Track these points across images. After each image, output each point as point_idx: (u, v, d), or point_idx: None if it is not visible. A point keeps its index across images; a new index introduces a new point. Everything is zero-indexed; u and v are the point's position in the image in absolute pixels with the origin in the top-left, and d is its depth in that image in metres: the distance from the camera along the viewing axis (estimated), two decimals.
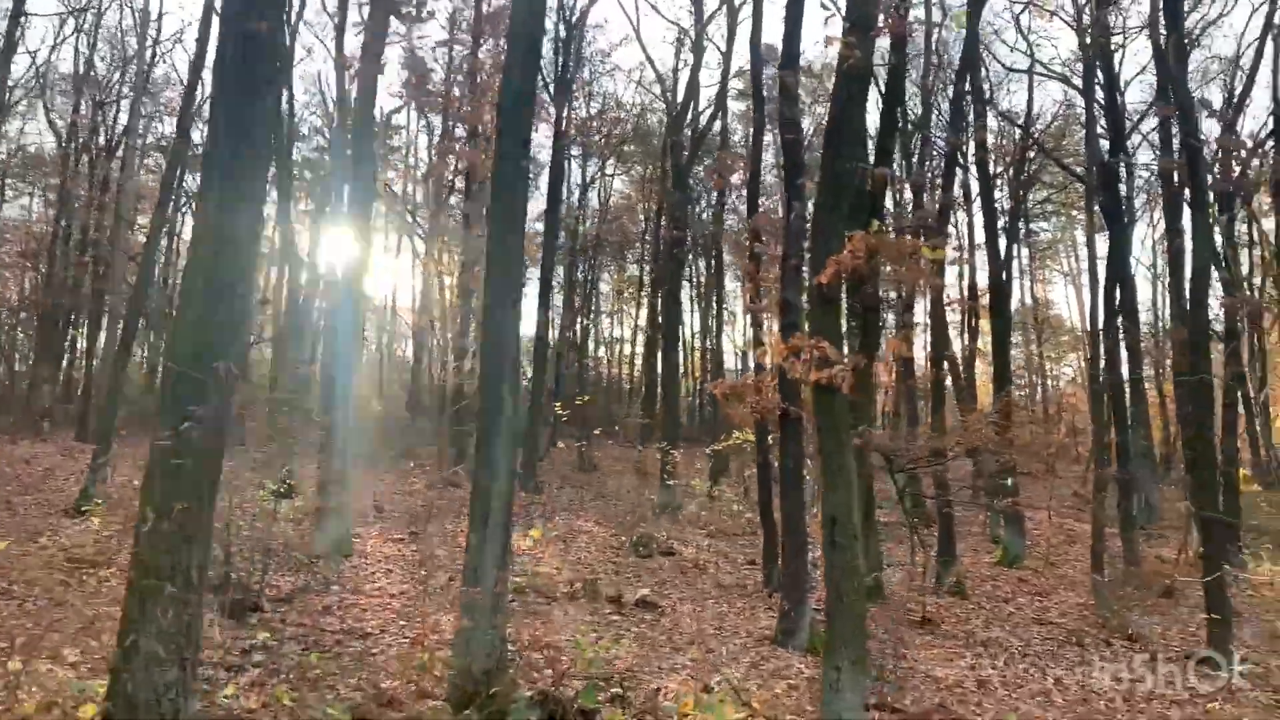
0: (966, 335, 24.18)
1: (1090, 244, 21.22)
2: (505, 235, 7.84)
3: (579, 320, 38.40)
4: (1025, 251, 38.19)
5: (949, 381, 20.13)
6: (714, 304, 33.90)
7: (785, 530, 11.62)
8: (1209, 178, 21.81)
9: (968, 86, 17.55)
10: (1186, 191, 17.33)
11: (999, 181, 30.66)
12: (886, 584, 14.32)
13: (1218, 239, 22.70)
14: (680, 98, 25.10)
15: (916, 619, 12.99)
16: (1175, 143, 20.52)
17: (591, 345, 42.85)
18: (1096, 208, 19.32)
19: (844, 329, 7.65)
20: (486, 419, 7.47)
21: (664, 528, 17.98)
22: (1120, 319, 18.29)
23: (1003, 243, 30.86)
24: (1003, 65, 26.73)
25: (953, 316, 26.46)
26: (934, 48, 22.42)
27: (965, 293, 24.68)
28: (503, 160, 8.00)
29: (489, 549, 7.20)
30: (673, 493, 20.24)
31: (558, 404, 20.38)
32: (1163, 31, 14.70)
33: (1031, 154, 25.83)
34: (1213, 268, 16.09)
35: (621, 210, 39.54)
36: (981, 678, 10.94)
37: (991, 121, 26.27)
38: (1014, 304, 34.61)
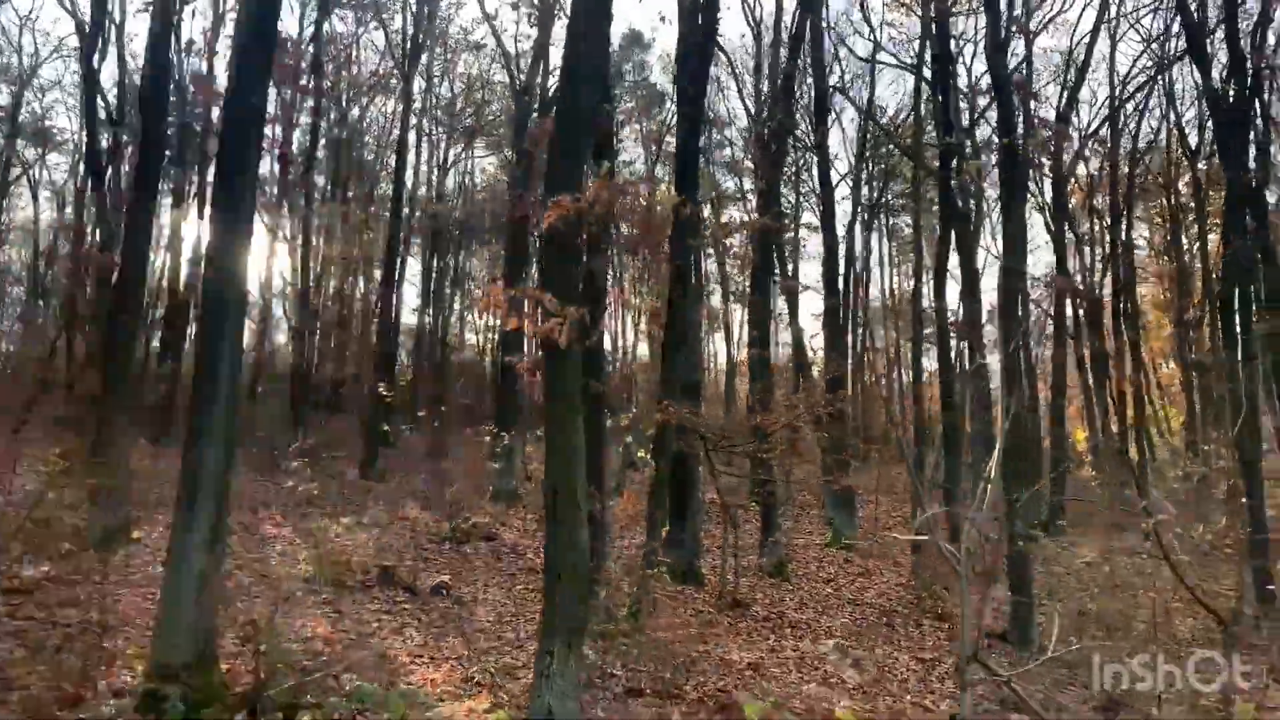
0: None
1: (945, 236, 21.42)
2: (234, 176, 7.05)
3: (444, 305, 37.38)
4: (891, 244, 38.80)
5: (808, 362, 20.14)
6: None
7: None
8: (1053, 164, 22.44)
9: (806, 65, 17.38)
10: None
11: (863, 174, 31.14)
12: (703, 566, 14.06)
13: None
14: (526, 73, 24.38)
15: (727, 602, 12.69)
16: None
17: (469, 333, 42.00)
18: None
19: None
20: (199, 387, 6.71)
21: (492, 512, 17.35)
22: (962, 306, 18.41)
23: (860, 232, 31.40)
24: (854, 54, 26.84)
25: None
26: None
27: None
28: (232, 99, 7.24)
29: (195, 530, 6.45)
30: (509, 477, 19.59)
31: (382, 385, 19.35)
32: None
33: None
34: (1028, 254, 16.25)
35: (488, 193, 38.58)
36: (781, 659, 10.71)
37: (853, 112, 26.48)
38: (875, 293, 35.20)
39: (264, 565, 12.56)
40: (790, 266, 32.23)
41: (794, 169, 30.64)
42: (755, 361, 15.59)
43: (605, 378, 10.55)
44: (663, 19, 49.31)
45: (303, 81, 27.70)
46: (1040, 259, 36.88)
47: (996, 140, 16.42)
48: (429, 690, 8.10)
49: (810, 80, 18.40)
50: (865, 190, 31.98)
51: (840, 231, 28.00)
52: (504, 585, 12.69)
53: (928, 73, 21.47)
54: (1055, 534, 19.05)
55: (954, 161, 17.70)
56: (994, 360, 22.13)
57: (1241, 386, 16.09)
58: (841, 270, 31.07)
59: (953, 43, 18.81)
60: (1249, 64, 16.23)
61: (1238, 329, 17.62)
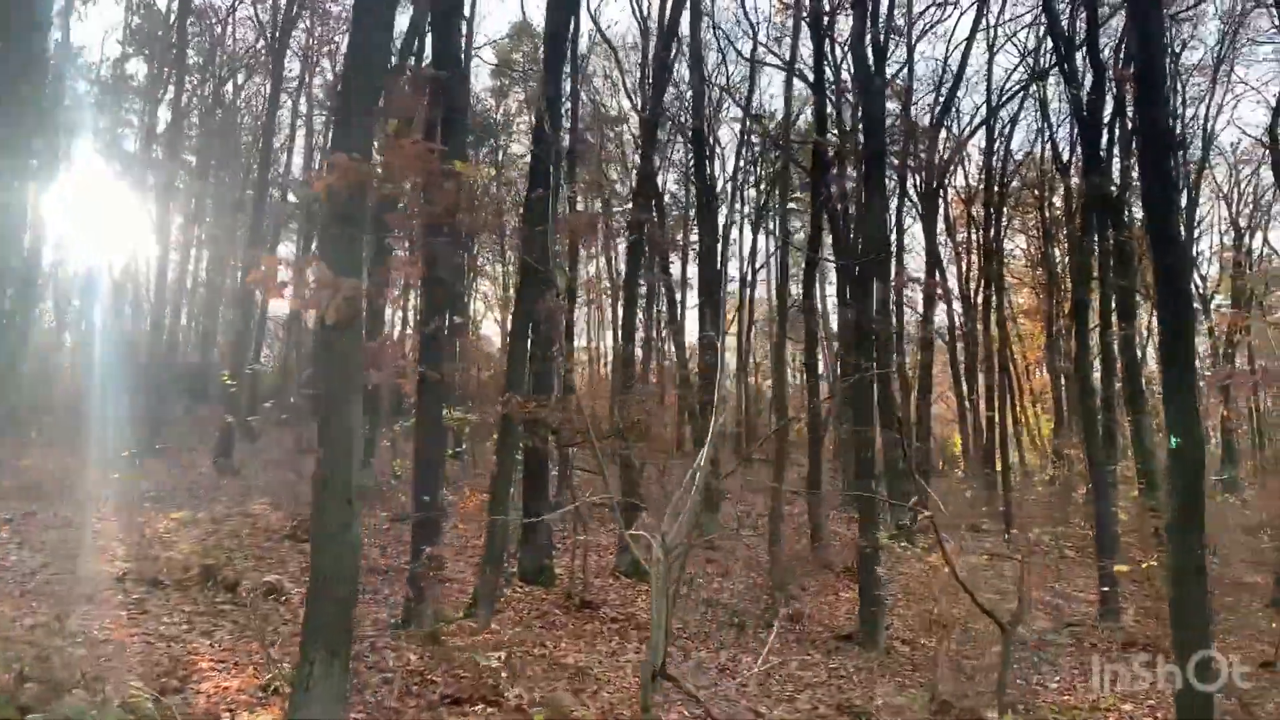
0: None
1: (815, 236, 21.48)
2: None
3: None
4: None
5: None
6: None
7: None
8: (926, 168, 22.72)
9: (682, 57, 17.16)
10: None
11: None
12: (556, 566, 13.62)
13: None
14: None
15: (576, 603, 12.28)
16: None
17: None
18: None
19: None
20: None
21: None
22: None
23: (748, 234, 31.43)
24: (739, 53, 26.73)
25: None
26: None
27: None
28: None
29: None
30: (367, 472, 18.79)
31: (224, 374, 18.39)
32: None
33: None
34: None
35: None
36: (619, 663, 10.35)
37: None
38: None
39: (76, 563, 11.66)
40: (683, 264, 31.96)
41: (688, 168, 30.46)
42: (621, 356, 15.23)
43: (441, 364, 9.98)
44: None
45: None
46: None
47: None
48: (218, 699, 7.47)
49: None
50: (754, 192, 32.14)
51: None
52: None
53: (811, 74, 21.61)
54: (915, 536, 19.26)
55: (828, 160, 17.72)
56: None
57: (1096, 393, 16.45)
58: (737, 272, 31.22)
59: (832, 44, 18.76)
60: (1109, 76, 16.61)
61: (1092, 334, 18.09)
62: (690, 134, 20.43)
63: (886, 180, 21.42)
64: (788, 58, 19.76)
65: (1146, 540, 15.14)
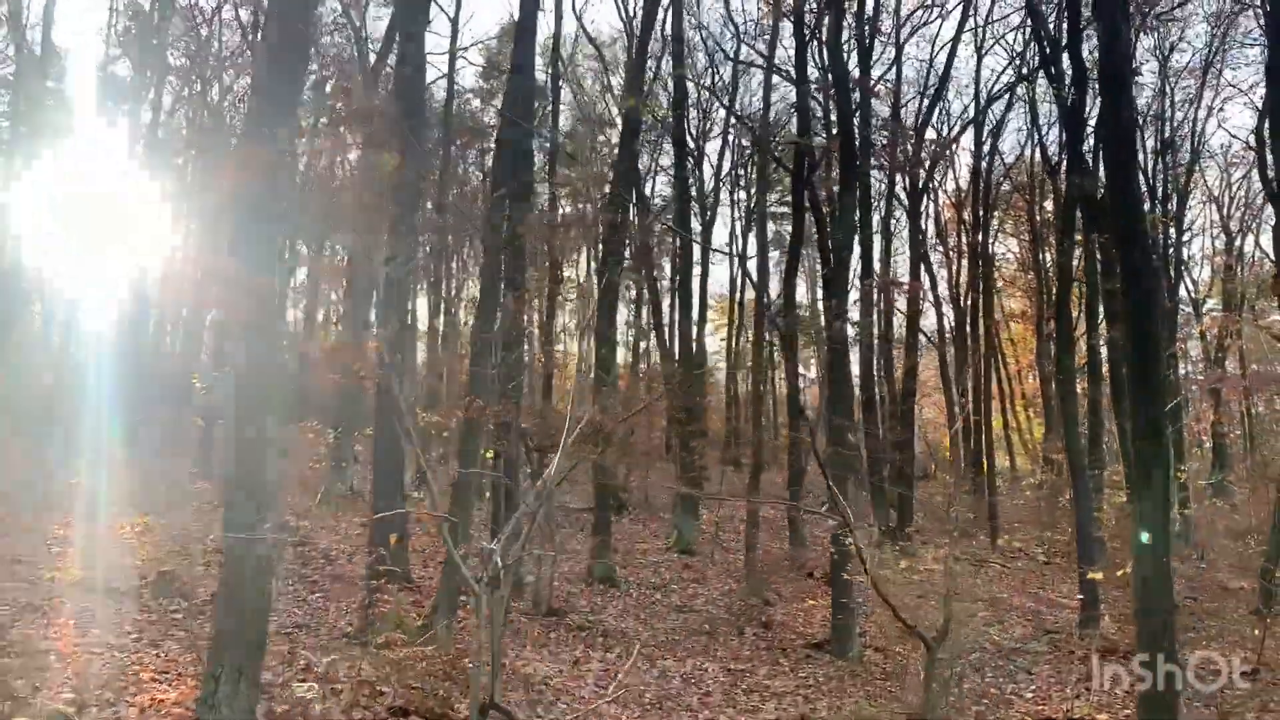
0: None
1: (796, 234, 21.23)
2: None
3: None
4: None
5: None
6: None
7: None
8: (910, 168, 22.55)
9: (659, 54, 16.92)
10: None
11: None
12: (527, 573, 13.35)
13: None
14: None
15: (543, 610, 12.03)
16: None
17: None
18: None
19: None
20: None
21: (316, 515, 16.37)
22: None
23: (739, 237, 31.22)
24: (724, 52, 26.56)
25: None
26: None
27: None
28: None
29: None
30: (343, 478, 18.57)
31: (195, 377, 18.16)
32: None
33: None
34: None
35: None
36: (581, 672, 10.11)
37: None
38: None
39: (31, 570, 11.41)
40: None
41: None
42: (601, 360, 14.98)
43: (401, 368, 9.75)
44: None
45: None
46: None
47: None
48: (151, 712, 7.21)
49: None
50: (743, 194, 31.92)
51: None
52: (300, 593, 11.79)
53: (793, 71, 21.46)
54: (901, 541, 19.02)
55: (813, 161, 17.51)
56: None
57: (1076, 396, 16.21)
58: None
59: (817, 42, 18.53)
60: (1091, 77, 16.40)
61: (1080, 338, 17.87)
62: (674, 144, 20.14)
63: (874, 182, 21.30)
64: (770, 55, 19.51)
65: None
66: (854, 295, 16.68)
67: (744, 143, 28.14)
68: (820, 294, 30.05)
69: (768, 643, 12.18)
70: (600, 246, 19.95)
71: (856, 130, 15.80)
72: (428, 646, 9.67)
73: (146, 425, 24.02)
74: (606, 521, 14.90)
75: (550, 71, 22.80)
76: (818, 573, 16.21)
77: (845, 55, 13.69)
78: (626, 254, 18.49)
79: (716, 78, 26.03)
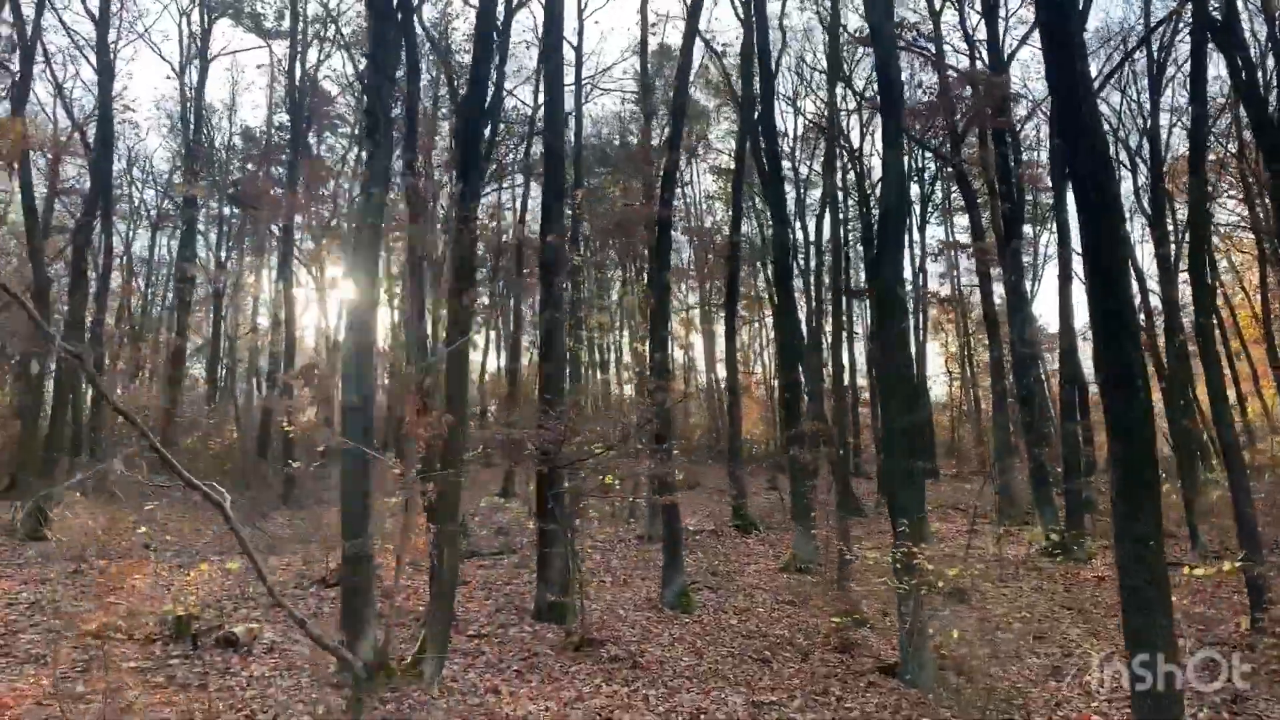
0: None
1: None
2: None
3: None
4: None
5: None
6: None
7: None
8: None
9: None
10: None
11: None
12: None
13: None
14: None
15: (574, 641, 10.87)
16: None
17: None
18: None
19: None
20: None
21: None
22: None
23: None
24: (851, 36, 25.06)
25: None
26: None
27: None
28: None
29: None
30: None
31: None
32: None
33: None
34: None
35: None
36: (565, 711, 8.87)
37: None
38: None
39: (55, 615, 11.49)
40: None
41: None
42: (655, 367, 13.81)
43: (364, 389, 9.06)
44: None
45: None
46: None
47: None
48: None
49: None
50: None
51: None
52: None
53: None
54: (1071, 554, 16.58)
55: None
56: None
57: None
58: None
59: None
60: None
61: None
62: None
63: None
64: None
65: None
66: None
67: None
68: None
69: (831, 668, 10.45)
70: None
71: None
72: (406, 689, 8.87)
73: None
74: (676, 538, 13.58)
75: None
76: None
77: None
78: None
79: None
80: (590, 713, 8.74)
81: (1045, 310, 72.40)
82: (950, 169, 24.70)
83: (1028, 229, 30.36)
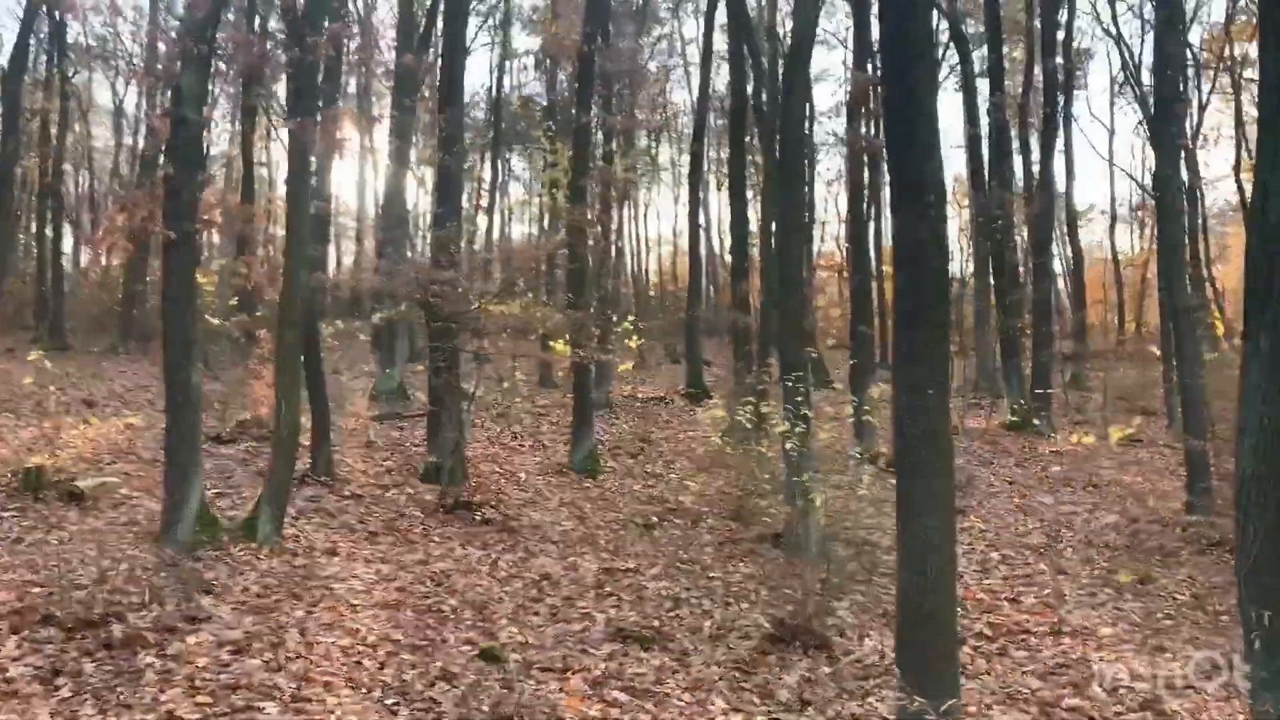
0: None
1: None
2: None
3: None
4: None
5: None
6: None
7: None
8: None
9: None
10: None
11: None
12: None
13: None
14: None
15: (448, 504, 10.21)
16: None
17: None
18: None
19: None
20: None
21: None
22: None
23: None
24: None
25: None
26: None
27: None
28: None
29: None
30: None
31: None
32: None
33: None
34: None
35: None
36: (425, 573, 8.24)
37: None
38: None
39: None
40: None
41: None
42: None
43: (184, 222, 8.13)
44: None
45: None
46: None
47: None
48: None
49: None
50: None
51: None
52: None
53: None
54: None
55: None
56: None
57: None
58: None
59: None
60: None
61: None
62: None
63: None
64: None
65: None
66: None
67: None
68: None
69: (717, 536, 9.77)
70: None
71: None
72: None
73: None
74: (585, 399, 12.82)
75: None
76: None
77: None
78: None
79: None
80: (425, 576, 8.11)
81: None
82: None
83: None
